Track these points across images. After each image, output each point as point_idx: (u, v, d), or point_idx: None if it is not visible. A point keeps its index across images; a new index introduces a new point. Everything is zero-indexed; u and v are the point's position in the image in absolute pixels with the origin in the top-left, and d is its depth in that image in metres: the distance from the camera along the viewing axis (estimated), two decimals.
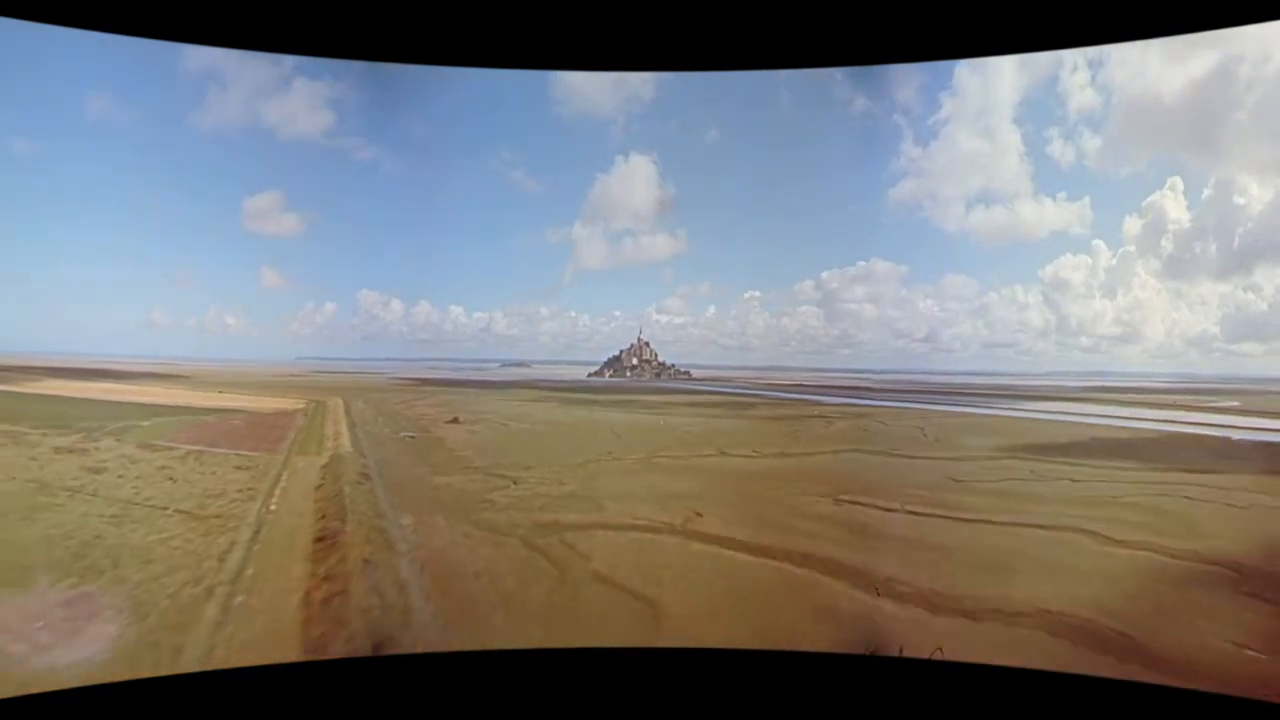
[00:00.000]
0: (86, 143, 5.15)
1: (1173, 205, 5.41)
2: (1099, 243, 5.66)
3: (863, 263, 6.06)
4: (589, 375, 7.54)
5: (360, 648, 4.52)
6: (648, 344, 7.40)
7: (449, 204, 5.98)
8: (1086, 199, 5.60)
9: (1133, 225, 5.56)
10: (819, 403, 7.30)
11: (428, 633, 4.69)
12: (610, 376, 7.51)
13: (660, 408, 7.65)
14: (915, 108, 5.65)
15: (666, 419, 7.52)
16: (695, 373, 7.51)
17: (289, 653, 4.37)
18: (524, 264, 6.67)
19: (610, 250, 6.50)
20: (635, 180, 6.21)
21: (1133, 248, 5.66)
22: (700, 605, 5.06)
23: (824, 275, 6.18)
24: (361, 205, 5.91)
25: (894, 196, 5.90)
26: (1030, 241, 5.80)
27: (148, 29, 4.53)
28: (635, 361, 7.52)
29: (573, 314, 6.90)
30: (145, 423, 6.23)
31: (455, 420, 6.79)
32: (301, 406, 7.19)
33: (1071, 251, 5.75)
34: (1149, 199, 5.44)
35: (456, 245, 6.10)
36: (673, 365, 7.41)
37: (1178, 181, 5.37)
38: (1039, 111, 5.49)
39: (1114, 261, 5.73)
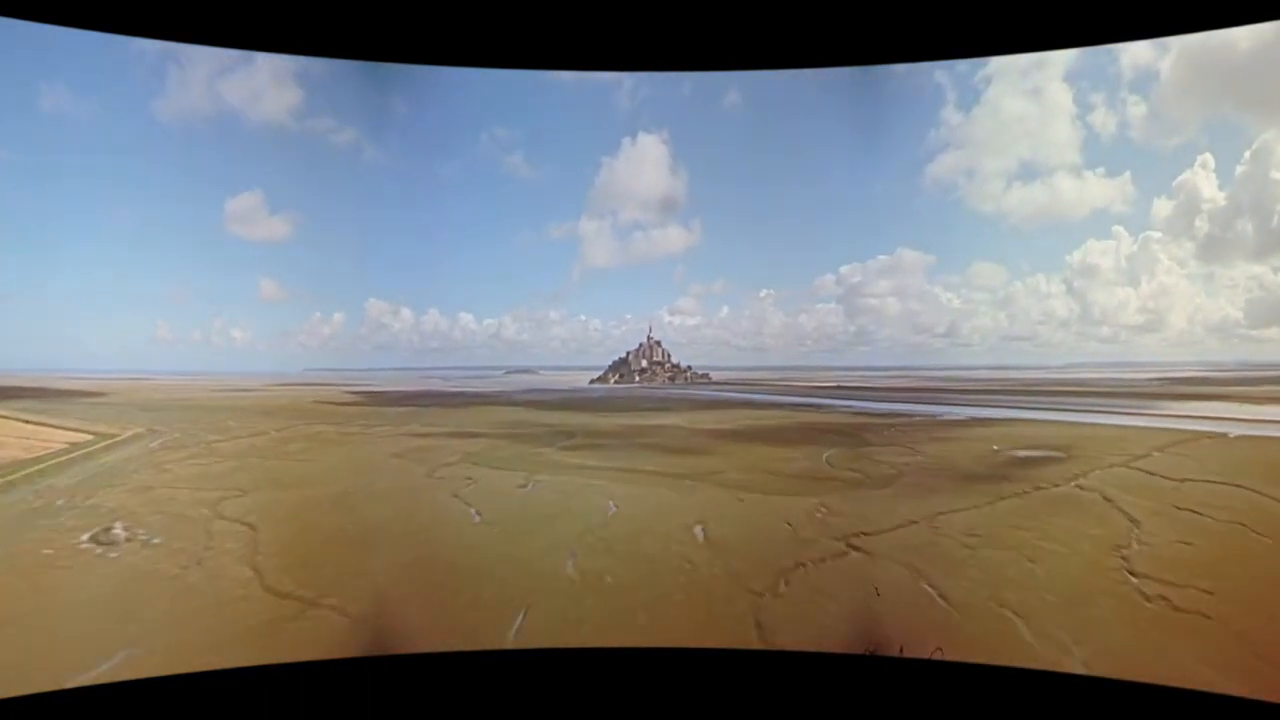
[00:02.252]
0: (45, 144, 4.81)
1: (1205, 183, 5.24)
2: (1137, 223, 5.44)
3: (884, 256, 5.88)
4: (591, 382, 7.12)
5: None
6: (659, 343, 6.83)
7: (441, 197, 5.77)
8: (1130, 173, 5.35)
9: (1167, 204, 5.36)
10: (939, 417, 5.83)
11: None
12: (615, 383, 7.08)
13: (694, 452, 5.86)
14: (959, 63, 5.37)
15: (718, 499, 5.01)
16: (711, 375, 6.99)
17: None
18: (528, 263, 6.40)
19: (619, 246, 6.25)
20: (644, 164, 5.90)
21: (1161, 231, 5.46)
22: None
23: (847, 269, 5.98)
24: (347, 201, 5.62)
25: (930, 174, 5.67)
26: (1068, 223, 5.58)
27: (138, 28, 4.53)
28: (645, 364, 6.95)
29: (583, 318, 6.63)
30: None
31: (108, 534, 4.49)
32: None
33: (1107, 234, 5.54)
34: (1181, 177, 5.26)
35: (454, 246, 5.89)
36: (689, 367, 6.81)
37: (1209, 159, 5.19)
38: (1091, 64, 5.18)
39: (1146, 244, 5.53)
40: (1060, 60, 5.23)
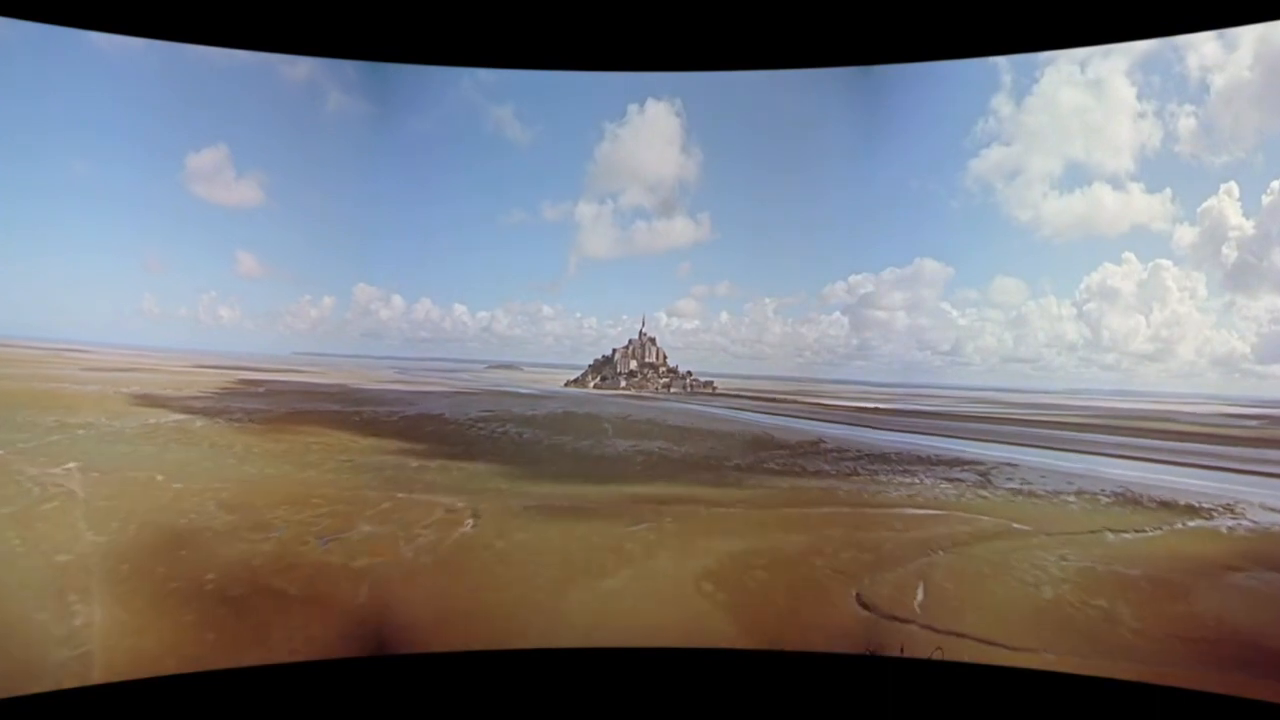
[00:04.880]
0: None
1: (1232, 209, 5.11)
2: (1169, 246, 5.21)
3: (901, 267, 5.60)
4: (566, 384, 6.57)
5: None
6: (653, 340, 6.20)
7: (419, 156, 5.32)
8: (1171, 189, 5.09)
9: (1197, 229, 5.18)
10: None
11: None
12: (596, 386, 6.52)
13: None
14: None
15: None
16: (695, 378, 6.34)
17: None
18: (520, 248, 5.95)
19: (620, 236, 5.83)
20: (654, 139, 5.43)
21: (1187, 255, 5.27)
22: None
23: (860, 278, 5.67)
24: (315, 158, 5.28)
25: (974, 170, 5.40)
26: (1102, 239, 5.35)
27: (137, 28, 4.47)
28: (634, 365, 6.34)
29: (578, 315, 6.20)
30: None
31: None
32: None
33: (1138, 254, 5.32)
34: (1207, 203, 5.10)
35: (437, 221, 5.56)
36: (689, 373, 6.09)
37: (1234, 187, 5.06)
38: (1156, 59, 4.87)
39: (1169, 269, 5.39)
40: (1124, 50, 4.98)
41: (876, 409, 5.78)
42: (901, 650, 4.45)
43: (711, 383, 6.25)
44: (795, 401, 5.96)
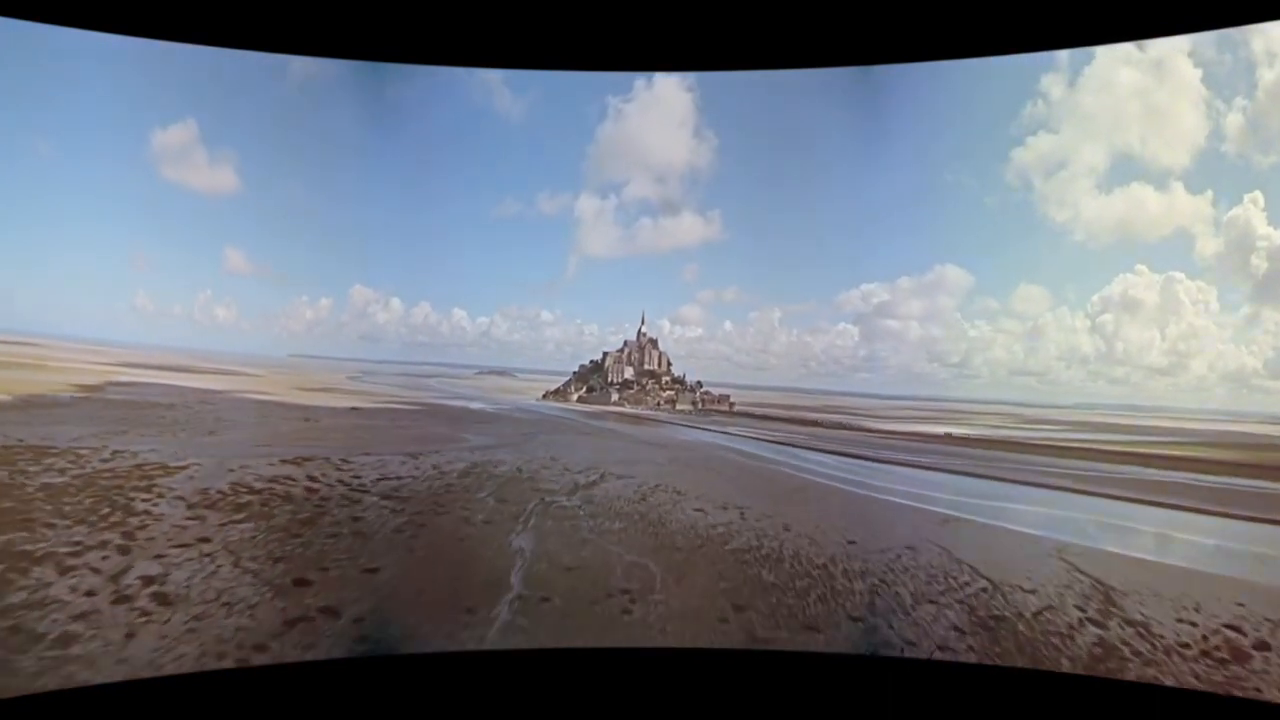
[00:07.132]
0: None
1: (1259, 220, 5.02)
2: (1199, 254, 5.08)
3: (911, 276, 5.42)
4: (544, 396, 6.00)
5: None
6: (654, 343, 5.52)
7: (402, 130, 4.96)
8: (1213, 192, 4.91)
9: (1226, 239, 5.10)
10: None
11: None
12: (580, 399, 5.92)
13: None
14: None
15: None
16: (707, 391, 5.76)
17: None
18: (516, 248, 5.70)
19: (623, 235, 5.49)
20: (663, 119, 4.99)
21: (1213, 266, 5.16)
22: None
23: (874, 286, 5.45)
24: (293, 146, 5.10)
25: (1016, 162, 5.12)
26: (1141, 243, 5.17)
27: (137, 28, 4.47)
28: (629, 373, 5.67)
29: (578, 321, 5.78)
30: None
31: None
32: None
33: (1169, 262, 5.17)
34: (1232, 212, 5.01)
35: (432, 225, 5.29)
36: (699, 383, 5.42)
37: (1259, 196, 4.97)
38: (1226, 39, 4.58)
39: (1194, 279, 5.27)
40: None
41: (1032, 447, 5.11)
42: (902, 651, 4.46)
43: (728, 397, 5.46)
44: (849, 425, 5.05)
